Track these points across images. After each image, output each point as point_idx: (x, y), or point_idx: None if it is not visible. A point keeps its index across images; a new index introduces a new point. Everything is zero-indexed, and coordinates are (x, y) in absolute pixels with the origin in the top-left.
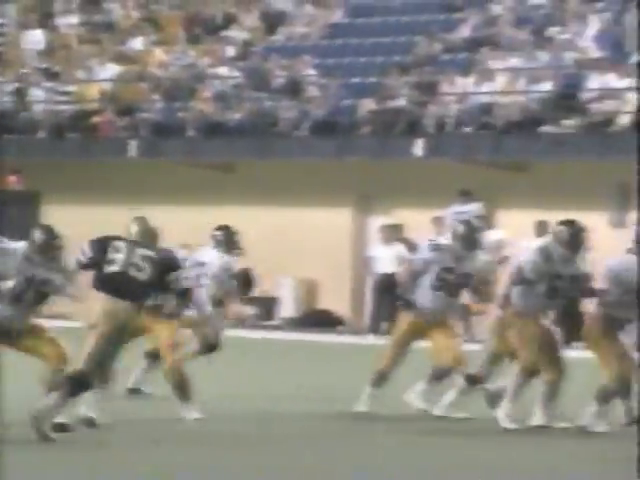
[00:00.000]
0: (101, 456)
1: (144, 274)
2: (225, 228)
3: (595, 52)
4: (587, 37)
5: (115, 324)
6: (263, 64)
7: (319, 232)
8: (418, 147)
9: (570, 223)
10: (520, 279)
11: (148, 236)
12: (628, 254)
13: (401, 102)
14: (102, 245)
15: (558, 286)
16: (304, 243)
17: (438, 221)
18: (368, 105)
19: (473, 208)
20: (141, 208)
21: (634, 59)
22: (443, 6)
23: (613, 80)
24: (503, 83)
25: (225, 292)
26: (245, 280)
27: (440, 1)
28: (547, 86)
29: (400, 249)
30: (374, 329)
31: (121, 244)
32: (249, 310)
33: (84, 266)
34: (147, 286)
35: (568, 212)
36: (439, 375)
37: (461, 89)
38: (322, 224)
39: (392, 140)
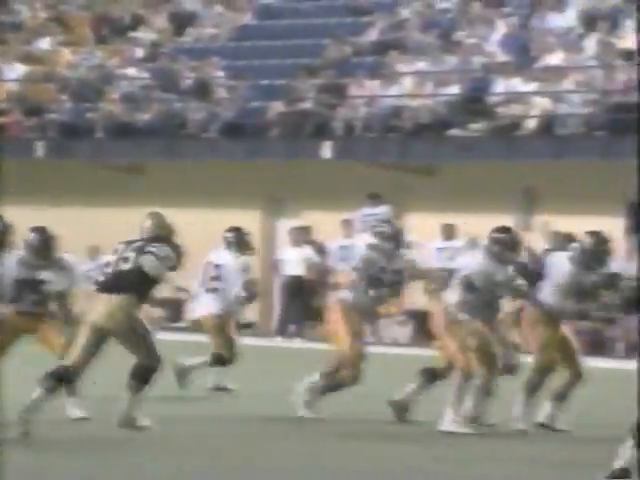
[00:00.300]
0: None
1: (129, 263)
2: (236, 229)
3: (501, 56)
4: (493, 41)
5: (120, 322)
6: (172, 65)
7: None
8: (327, 150)
9: (507, 230)
10: (468, 287)
11: (163, 231)
12: (564, 252)
13: (310, 105)
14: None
15: (499, 294)
16: (213, 245)
17: (347, 224)
18: (277, 107)
19: (382, 211)
20: (48, 209)
21: (540, 63)
22: (351, 9)
23: (519, 84)
24: (411, 86)
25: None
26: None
27: (348, 4)
28: (454, 90)
29: (309, 251)
30: (282, 331)
31: (120, 246)
32: (158, 312)
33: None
34: (131, 275)
35: (475, 215)
36: (334, 387)
37: (369, 92)
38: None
39: (301, 142)
